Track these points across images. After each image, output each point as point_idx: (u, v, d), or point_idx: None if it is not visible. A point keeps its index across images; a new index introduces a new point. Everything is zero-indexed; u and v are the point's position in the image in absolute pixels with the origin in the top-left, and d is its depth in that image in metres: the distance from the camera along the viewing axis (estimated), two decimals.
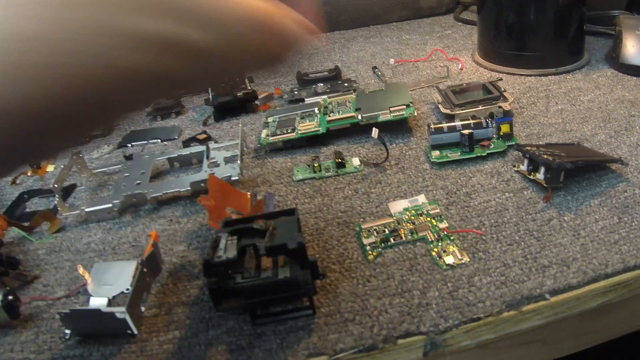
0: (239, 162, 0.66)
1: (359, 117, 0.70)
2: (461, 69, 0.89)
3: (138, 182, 0.66)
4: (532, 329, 0.44)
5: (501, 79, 0.79)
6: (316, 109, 0.75)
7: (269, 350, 0.43)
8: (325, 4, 1.16)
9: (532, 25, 0.81)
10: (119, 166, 0.73)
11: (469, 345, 0.43)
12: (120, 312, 0.45)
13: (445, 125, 0.63)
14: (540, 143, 0.64)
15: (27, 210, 0.69)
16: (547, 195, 0.54)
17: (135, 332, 0.46)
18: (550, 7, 0.80)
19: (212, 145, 0.71)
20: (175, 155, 0.72)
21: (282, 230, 0.46)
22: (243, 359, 0.43)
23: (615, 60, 0.83)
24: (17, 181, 0.76)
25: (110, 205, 0.63)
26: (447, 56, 0.94)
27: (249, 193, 0.58)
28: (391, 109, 0.70)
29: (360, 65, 0.98)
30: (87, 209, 0.63)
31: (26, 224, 0.62)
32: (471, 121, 0.63)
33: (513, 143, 0.63)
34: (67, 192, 0.70)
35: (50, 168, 0.78)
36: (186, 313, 0.48)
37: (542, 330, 0.44)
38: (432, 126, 0.64)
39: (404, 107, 0.70)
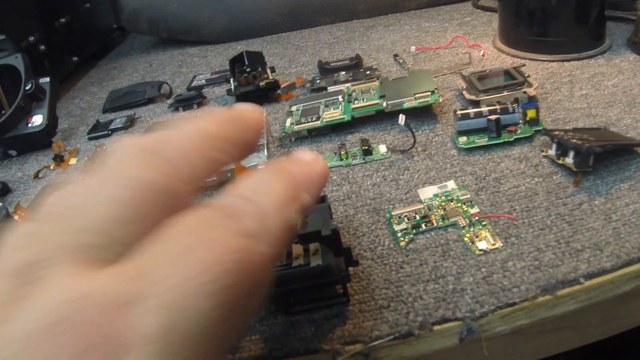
0: (265, 150, 0.66)
1: (384, 104, 0.70)
2: (483, 55, 0.88)
3: None
4: (566, 314, 0.43)
5: (524, 65, 0.78)
6: (340, 97, 0.75)
7: (303, 338, 0.43)
8: None
9: (553, 11, 0.81)
10: None
11: (504, 330, 0.42)
12: None
13: (471, 111, 0.63)
14: (567, 128, 0.63)
15: None
16: (577, 179, 0.54)
17: None
18: None
19: None
20: None
21: (313, 218, 0.46)
22: (277, 347, 0.42)
23: (637, 45, 0.83)
24: (40, 175, 0.76)
25: None
26: (468, 43, 0.94)
27: None
28: (416, 95, 0.69)
29: (380, 53, 0.97)
30: None
31: None
32: (498, 106, 0.63)
33: (540, 128, 0.63)
34: None
35: (72, 161, 0.78)
36: None
37: (572, 316, 0.44)
38: (459, 112, 0.63)
39: (429, 93, 0.69)
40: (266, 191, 0.30)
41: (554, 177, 0.56)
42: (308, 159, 0.34)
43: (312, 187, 0.33)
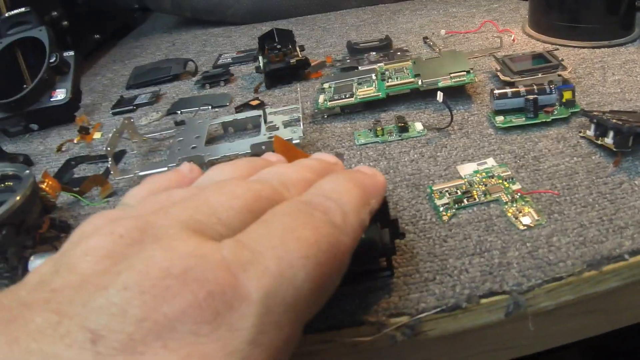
0: (301, 124, 0.66)
1: (419, 82, 0.70)
2: (513, 40, 0.88)
3: (194, 145, 0.66)
4: (608, 290, 0.43)
5: (557, 49, 0.78)
6: (373, 75, 0.75)
7: (348, 310, 0.42)
8: None
9: (585, 1, 0.82)
10: (171, 132, 0.73)
11: (548, 306, 0.42)
12: None
13: (509, 90, 0.63)
14: (604, 110, 0.63)
15: (76, 176, 0.69)
16: (617, 159, 0.54)
17: None
18: None
19: (268, 109, 0.71)
20: (230, 119, 0.72)
21: None
22: (321, 319, 0.42)
23: None
24: (63, 148, 0.76)
25: (165, 169, 0.63)
26: (498, 28, 0.94)
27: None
28: (451, 75, 0.69)
29: (409, 36, 0.97)
30: (141, 173, 0.62)
31: (76, 189, 0.62)
32: (535, 87, 0.63)
33: (576, 110, 0.63)
34: (116, 158, 0.70)
35: (97, 135, 0.78)
36: None
37: (605, 299, 0.44)
38: (496, 91, 0.63)
39: (465, 73, 0.69)
40: (346, 195, 0.36)
41: (593, 157, 0.56)
42: (370, 173, 0.40)
43: (378, 196, 0.39)
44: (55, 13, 1.03)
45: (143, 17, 1.41)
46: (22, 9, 0.87)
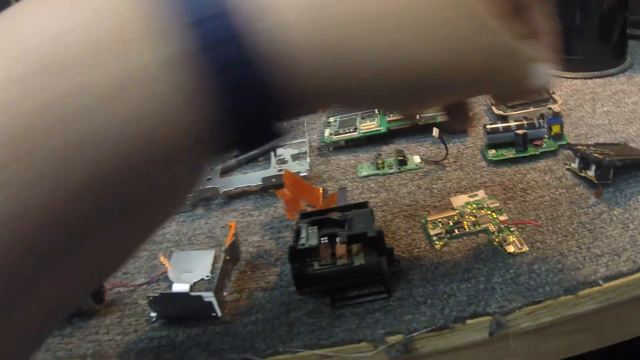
0: (307, 158, 0.70)
1: (418, 117, 0.74)
2: None
3: (209, 177, 0.71)
4: (585, 313, 0.48)
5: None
6: (375, 110, 0.80)
7: (348, 329, 0.47)
8: None
9: (577, 30, 0.85)
10: None
11: (529, 327, 0.47)
12: (208, 296, 0.50)
13: (500, 125, 0.67)
14: (589, 143, 0.67)
15: None
16: (598, 191, 0.58)
17: (220, 314, 0.50)
18: (595, 11, 0.83)
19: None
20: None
21: (357, 221, 0.51)
22: (325, 337, 0.47)
23: None
24: None
25: None
26: None
27: (321, 188, 0.63)
28: None
29: None
30: None
31: None
32: (525, 122, 0.67)
33: (564, 143, 0.67)
34: None
35: None
36: (267, 297, 0.53)
37: (591, 317, 0.48)
38: (488, 127, 0.68)
39: None
40: None
41: (577, 189, 0.60)
42: None
43: None
44: None
45: None
46: None
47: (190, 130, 0.28)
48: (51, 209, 0.26)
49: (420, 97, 0.35)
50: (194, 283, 0.55)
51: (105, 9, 0.26)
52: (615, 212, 0.56)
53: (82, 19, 0.26)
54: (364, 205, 0.54)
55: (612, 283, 0.48)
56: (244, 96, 0.28)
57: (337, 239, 0.50)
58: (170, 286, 0.55)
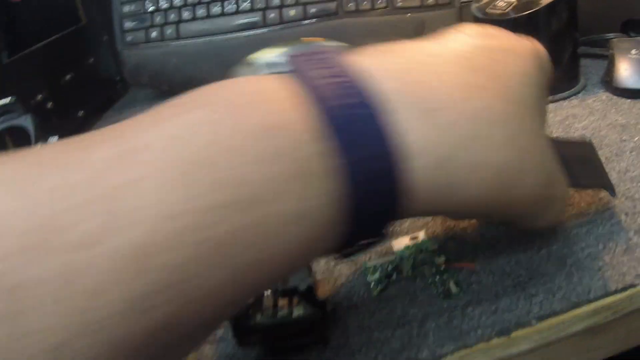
0: None
1: None
2: None
3: None
4: (520, 353, 0.48)
5: None
6: None
7: None
8: None
9: None
10: None
11: None
12: None
13: None
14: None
15: None
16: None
17: None
18: (543, 35, 0.84)
19: None
20: None
21: (296, 273, 0.52)
22: None
23: (609, 83, 0.87)
24: None
25: None
26: None
27: None
28: None
29: None
30: None
31: None
32: None
33: None
34: None
35: None
36: (213, 350, 0.53)
37: (541, 351, 0.49)
38: None
39: None
40: None
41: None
42: None
43: None
44: (41, 96, 1.09)
45: (125, 87, 1.45)
46: (7, 100, 0.92)
47: (334, 244, 0.37)
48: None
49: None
50: None
51: (286, 145, 0.32)
52: (554, 248, 0.57)
53: (269, 152, 0.32)
54: None
55: (546, 322, 0.49)
56: (377, 218, 0.38)
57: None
58: None
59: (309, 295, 0.49)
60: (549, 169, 0.44)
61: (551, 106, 0.86)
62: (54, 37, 1.20)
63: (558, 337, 0.49)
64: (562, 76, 0.89)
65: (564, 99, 0.87)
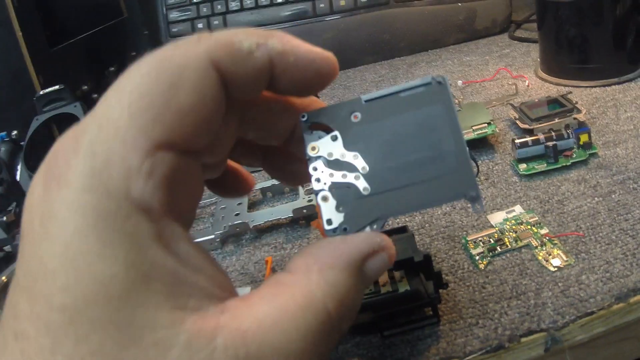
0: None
1: None
2: (528, 85, 0.92)
3: (237, 212, 0.70)
4: (636, 320, 0.47)
5: (570, 92, 0.82)
6: None
7: (400, 358, 0.47)
8: (383, 32, 1.20)
9: (592, 38, 0.85)
10: (212, 199, 0.77)
11: (583, 339, 0.46)
12: None
13: (529, 139, 0.67)
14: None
15: None
16: None
17: None
18: (608, 19, 0.83)
19: None
20: (269, 185, 0.77)
21: (401, 247, 0.50)
22: None
23: None
24: None
25: (212, 236, 0.67)
26: (511, 74, 0.98)
27: None
28: (473, 127, 0.74)
29: None
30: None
31: None
32: (553, 133, 0.67)
33: (593, 151, 0.67)
34: None
35: None
36: None
37: (637, 326, 0.48)
38: (517, 141, 0.67)
39: (486, 125, 0.73)
40: None
41: (613, 196, 0.60)
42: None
43: None
44: (86, 87, 1.09)
45: None
46: (57, 87, 0.91)
47: None
48: None
49: None
50: None
51: None
52: None
53: None
54: (403, 229, 0.53)
55: None
56: None
57: None
58: None
59: (425, 266, 0.47)
60: None
61: (619, 87, 0.85)
62: (96, 29, 1.20)
63: None
64: (627, 59, 0.87)
65: (630, 80, 0.86)
